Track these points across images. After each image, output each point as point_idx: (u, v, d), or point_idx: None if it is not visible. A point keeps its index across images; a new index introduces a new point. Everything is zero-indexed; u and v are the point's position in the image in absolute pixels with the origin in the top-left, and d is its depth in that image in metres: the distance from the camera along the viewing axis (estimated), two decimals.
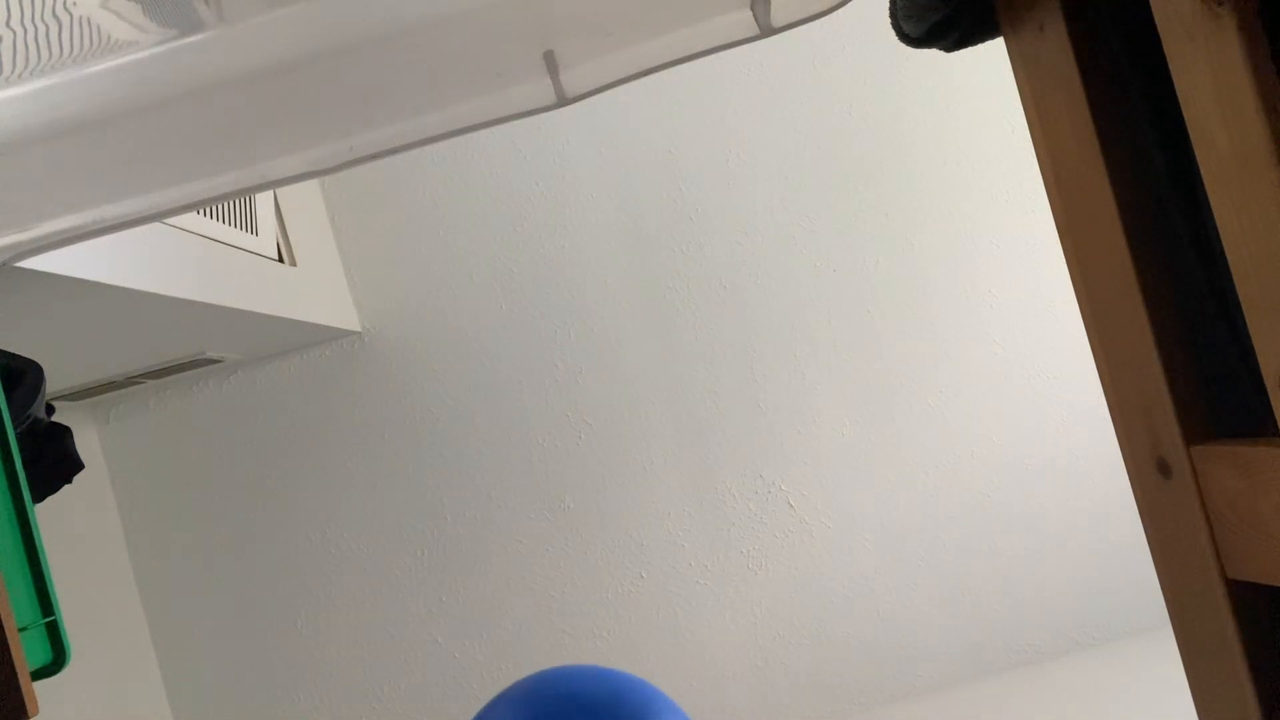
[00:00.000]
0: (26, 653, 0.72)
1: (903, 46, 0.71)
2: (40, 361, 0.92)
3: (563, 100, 0.78)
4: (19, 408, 0.88)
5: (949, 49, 0.70)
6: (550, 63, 0.76)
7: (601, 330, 1.89)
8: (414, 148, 0.78)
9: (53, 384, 1.11)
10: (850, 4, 0.74)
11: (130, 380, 1.71)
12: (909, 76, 1.88)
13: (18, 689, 0.68)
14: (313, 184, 1.88)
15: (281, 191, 1.67)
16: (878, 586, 1.86)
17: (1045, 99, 0.64)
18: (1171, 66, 0.52)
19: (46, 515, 0.84)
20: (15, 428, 0.82)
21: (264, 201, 1.56)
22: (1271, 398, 0.50)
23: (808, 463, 1.87)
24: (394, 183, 1.91)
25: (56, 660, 0.79)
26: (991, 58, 0.77)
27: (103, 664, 1.71)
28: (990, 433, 1.86)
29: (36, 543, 0.79)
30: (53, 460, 0.95)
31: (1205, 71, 0.49)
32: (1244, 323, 0.51)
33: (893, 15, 0.68)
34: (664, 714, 1.28)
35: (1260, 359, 0.51)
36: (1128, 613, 1.82)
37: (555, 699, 1.30)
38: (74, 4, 0.66)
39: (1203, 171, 0.51)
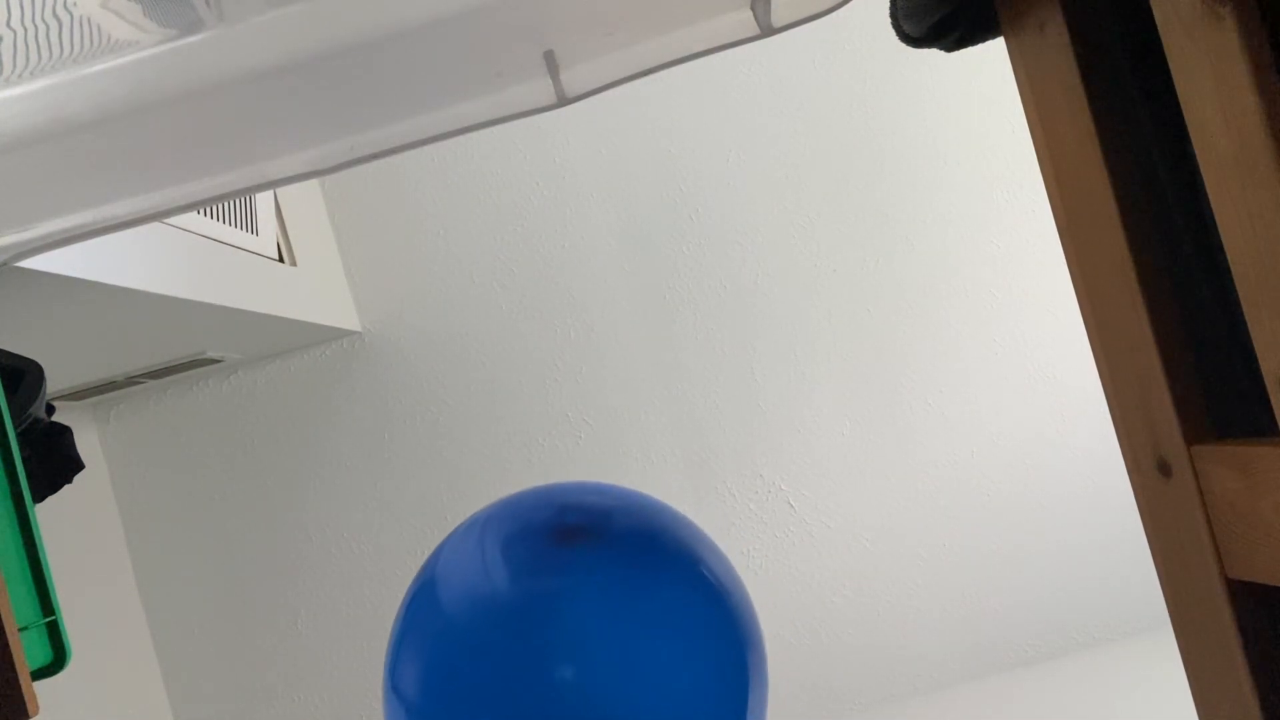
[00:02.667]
0: (26, 653, 0.72)
1: (903, 47, 0.71)
2: (40, 361, 0.92)
3: (563, 100, 0.78)
4: (19, 408, 0.88)
5: (949, 49, 0.70)
6: (550, 63, 0.76)
7: (601, 330, 1.89)
8: (414, 148, 0.78)
9: (53, 384, 1.10)
10: (850, 4, 0.74)
11: (130, 380, 1.71)
12: (909, 76, 1.88)
13: (18, 689, 0.68)
14: (313, 184, 1.88)
15: (281, 191, 1.67)
16: (878, 586, 1.86)
17: (1045, 99, 0.64)
18: (1172, 66, 0.52)
19: (46, 515, 0.84)
20: (15, 427, 0.82)
21: (264, 201, 1.56)
22: (1271, 398, 0.50)
23: (808, 463, 1.87)
24: (394, 183, 1.91)
25: (57, 660, 0.79)
26: (992, 58, 0.77)
27: (103, 664, 1.71)
28: (990, 433, 1.86)
29: (37, 543, 0.79)
30: (53, 460, 0.95)
31: (1206, 71, 0.49)
32: (1244, 323, 0.51)
33: (893, 15, 0.68)
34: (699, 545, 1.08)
35: (1260, 359, 0.51)
36: (1128, 613, 1.82)
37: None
38: (74, 4, 0.66)
39: (1203, 171, 0.51)
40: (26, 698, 0.68)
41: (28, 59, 0.68)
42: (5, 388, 0.84)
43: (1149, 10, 0.52)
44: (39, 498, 0.90)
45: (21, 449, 0.81)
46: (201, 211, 1.32)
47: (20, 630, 0.73)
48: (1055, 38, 0.61)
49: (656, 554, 1.04)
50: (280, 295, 1.55)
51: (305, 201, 1.81)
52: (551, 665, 0.96)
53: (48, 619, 0.78)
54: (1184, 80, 0.51)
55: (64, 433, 0.97)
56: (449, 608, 1.04)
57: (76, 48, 0.68)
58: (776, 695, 1.85)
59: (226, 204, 1.42)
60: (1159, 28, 0.52)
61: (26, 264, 0.87)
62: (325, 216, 1.90)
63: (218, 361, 1.76)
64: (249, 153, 0.78)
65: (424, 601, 1.06)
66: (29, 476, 0.81)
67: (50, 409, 0.97)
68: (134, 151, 0.75)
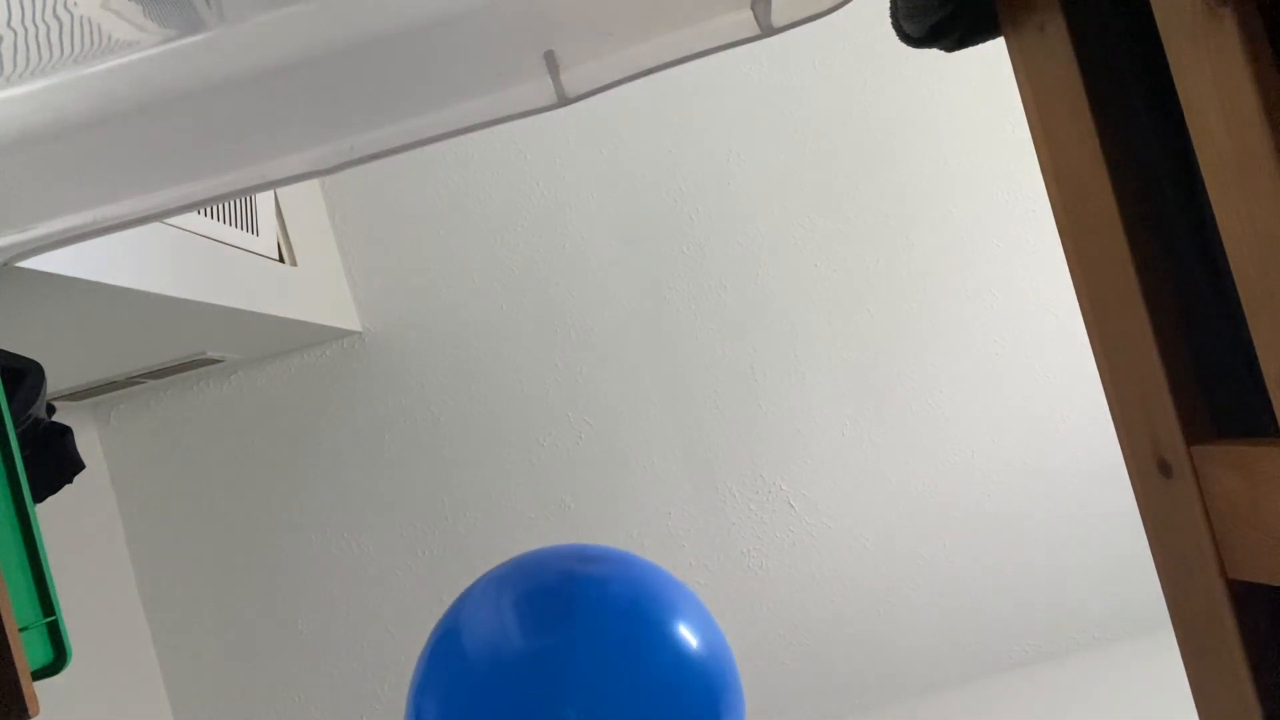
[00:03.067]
0: (27, 653, 0.72)
1: (903, 46, 0.71)
2: (40, 361, 0.92)
3: (563, 100, 0.78)
4: (19, 408, 0.88)
5: (949, 49, 0.70)
6: (550, 63, 0.76)
7: (601, 329, 1.89)
8: (414, 148, 0.79)
9: (53, 384, 1.10)
10: (850, 4, 0.74)
11: (130, 380, 1.71)
12: (909, 76, 1.88)
13: (18, 689, 0.68)
14: (313, 184, 1.88)
15: (281, 191, 1.67)
16: (877, 586, 1.86)
17: (1045, 99, 0.64)
18: (1172, 66, 0.52)
19: (47, 515, 0.84)
20: (16, 428, 0.82)
21: (264, 201, 1.56)
22: (1272, 398, 0.50)
23: (808, 463, 1.87)
24: (394, 183, 1.91)
25: (57, 660, 0.79)
26: (992, 58, 0.77)
27: (103, 664, 1.71)
28: (990, 432, 1.86)
29: (37, 543, 0.79)
30: (53, 460, 0.95)
31: (1206, 71, 0.49)
32: (1244, 322, 0.51)
33: (893, 15, 0.68)
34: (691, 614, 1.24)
35: (1260, 359, 0.51)
36: (1128, 613, 1.82)
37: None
38: (74, 4, 0.66)
39: (1203, 171, 0.51)
40: (27, 698, 0.68)
41: (28, 59, 0.68)
42: (5, 388, 0.84)
43: (1149, 10, 0.52)
44: (39, 498, 0.90)
45: (21, 449, 0.81)
46: (201, 211, 1.32)
47: (20, 630, 0.73)
48: (1055, 38, 0.61)
49: (646, 612, 1.23)
50: (280, 295, 1.55)
51: (305, 201, 1.81)
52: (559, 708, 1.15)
53: (48, 619, 0.78)
54: (1184, 80, 0.51)
55: (64, 433, 0.97)
56: (470, 656, 1.21)
57: (77, 48, 0.68)
58: (777, 695, 1.85)
59: (226, 204, 1.42)
60: (1159, 28, 0.52)
61: (26, 264, 0.87)
62: (325, 216, 1.90)
63: (218, 361, 1.76)
64: (249, 153, 0.78)
65: (446, 649, 1.24)
66: (29, 476, 0.81)
67: (50, 409, 0.97)
68: (134, 151, 0.75)
